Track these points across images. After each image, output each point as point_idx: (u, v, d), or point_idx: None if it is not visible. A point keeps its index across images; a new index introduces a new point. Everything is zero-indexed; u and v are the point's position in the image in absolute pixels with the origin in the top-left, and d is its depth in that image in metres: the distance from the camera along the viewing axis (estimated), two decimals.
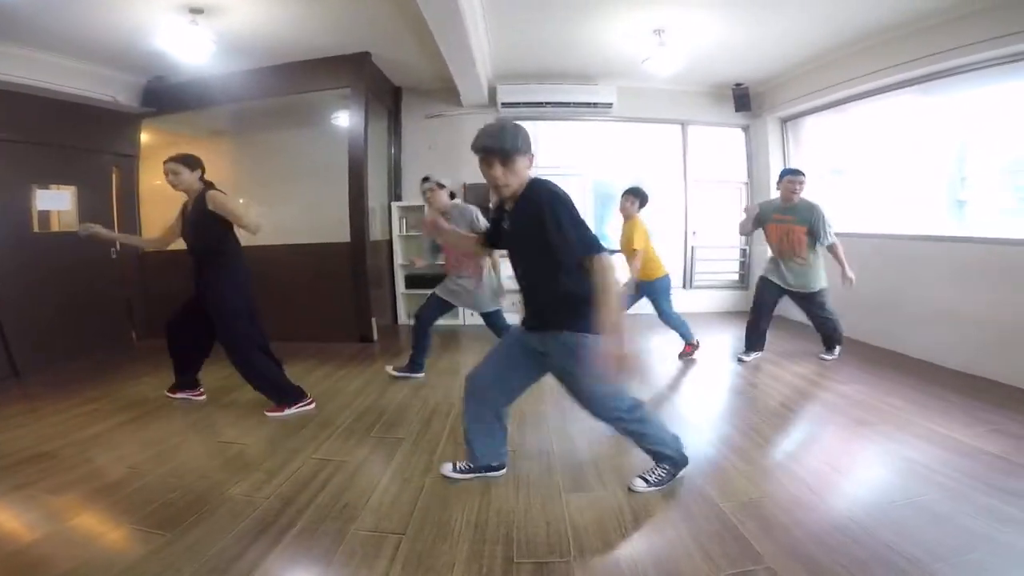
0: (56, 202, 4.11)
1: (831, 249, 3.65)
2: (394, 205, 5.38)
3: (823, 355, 3.94)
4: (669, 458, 2.11)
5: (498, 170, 1.75)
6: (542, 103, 5.07)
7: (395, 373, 3.62)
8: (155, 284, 4.75)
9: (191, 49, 3.46)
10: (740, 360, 3.92)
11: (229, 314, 2.87)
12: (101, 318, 4.42)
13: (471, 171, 5.39)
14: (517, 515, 1.93)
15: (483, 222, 3.29)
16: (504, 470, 2.24)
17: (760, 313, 3.87)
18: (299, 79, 4.35)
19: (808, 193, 3.72)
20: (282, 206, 5.09)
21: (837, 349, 3.92)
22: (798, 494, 2.03)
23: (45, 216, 4.11)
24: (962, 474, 2.14)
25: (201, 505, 1.99)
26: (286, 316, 4.66)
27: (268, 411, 2.96)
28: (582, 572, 1.63)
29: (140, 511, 1.95)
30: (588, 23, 3.94)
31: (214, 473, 2.27)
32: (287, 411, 2.96)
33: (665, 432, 2.13)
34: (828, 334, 3.88)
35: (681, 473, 2.16)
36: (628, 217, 3.75)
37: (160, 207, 4.88)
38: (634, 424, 2.04)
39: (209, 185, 2.92)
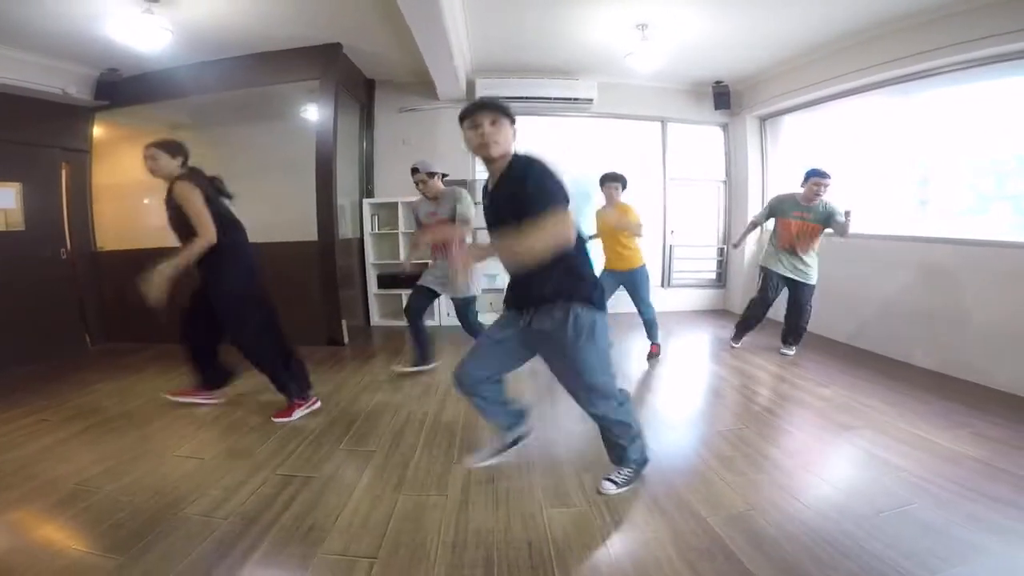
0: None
1: (844, 223, 3.64)
2: (366, 202, 5.18)
3: (783, 350, 4.06)
4: (634, 458, 2.12)
5: (487, 127, 1.73)
6: (522, 98, 4.93)
7: (404, 370, 3.62)
8: (110, 284, 4.48)
9: (145, 39, 3.22)
10: (732, 346, 4.18)
11: (233, 306, 2.75)
12: (52, 321, 4.13)
13: (448, 166, 5.26)
14: (497, 535, 1.82)
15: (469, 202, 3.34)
16: (527, 434, 2.23)
17: (766, 306, 3.99)
18: (265, 71, 4.12)
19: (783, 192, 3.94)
20: (246, 203, 4.85)
21: (794, 348, 4.08)
22: (786, 505, 1.98)
23: None
24: (947, 480, 2.12)
25: (154, 526, 1.85)
26: None
27: (276, 416, 2.85)
28: None
29: (88, 533, 1.81)
30: (569, 15, 3.84)
31: (168, 490, 2.10)
32: (296, 413, 2.88)
33: (639, 427, 2.13)
34: (799, 328, 4.00)
35: (644, 471, 2.18)
36: (614, 202, 3.66)
37: (115, 205, 4.63)
38: (622, 415, 2.02)
39: (192, 173, 2.72)
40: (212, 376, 3.03)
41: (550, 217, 1.59)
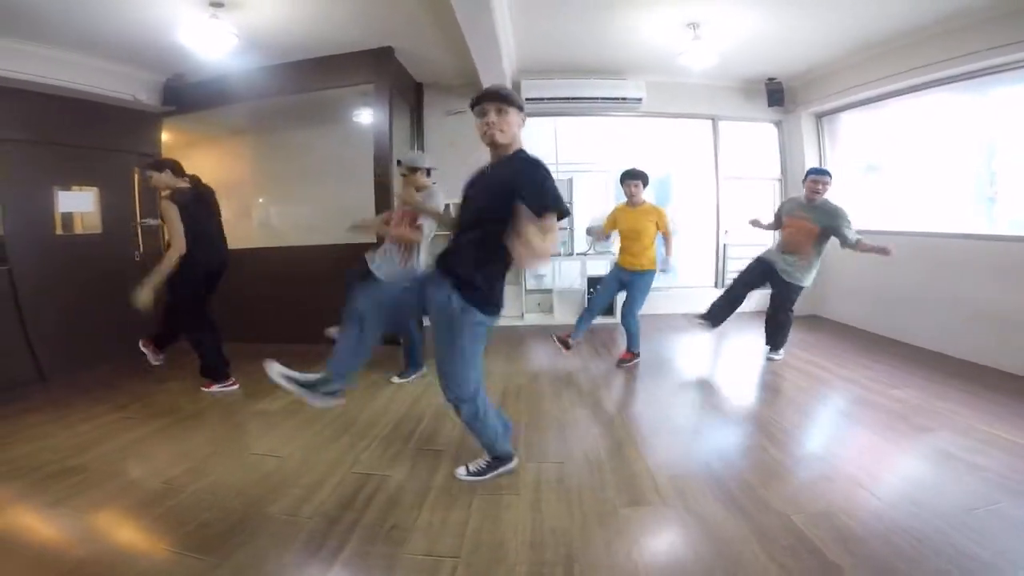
0: (78, 203, 4.04)
1: (858, 246, 3.45)
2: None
3: (771, 355, 3.91)
4: (496, 453, 2.22)
5: (492, 116, 1.87)
6: (569, 98, 4.93)
7: (398, 380, 3.54)
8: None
9: (212, 44, 3.37)
10: (699, 322, 3.99)
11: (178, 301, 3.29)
12: (125, 320, 4.28)
13: None
14: (573, 534, 1.84)
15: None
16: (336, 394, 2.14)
17: (740, 288, 3.88)
18: (320, 75, 4.24)
19: (841, 191, 3.72)
20: (304, 205, 5.03)
21: (782, 351, 3.93)
22: (869, 504, 1.95)
23: (68, 218, 4.06)
24: None
25: (241, 526, 1.90)
26: (310, 318, 4.57)
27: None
28: None
29: (176, 533, 1.86)
30: (619, 16, 3.82)
31: (251, 489, 2.17)
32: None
33: (497, 428, 2.19)
34: (778, 331, 3.83)
35: (505, 468, 2.24)
36: (639, 203, 3.60)
37: None
38: (476, 410, 2.06)
39: (193, 181, 3.30)
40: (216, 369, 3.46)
41: (549, 221, 1.75)
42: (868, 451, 2.45)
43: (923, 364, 3.72)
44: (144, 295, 2.97)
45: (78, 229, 4.14)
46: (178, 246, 3.06)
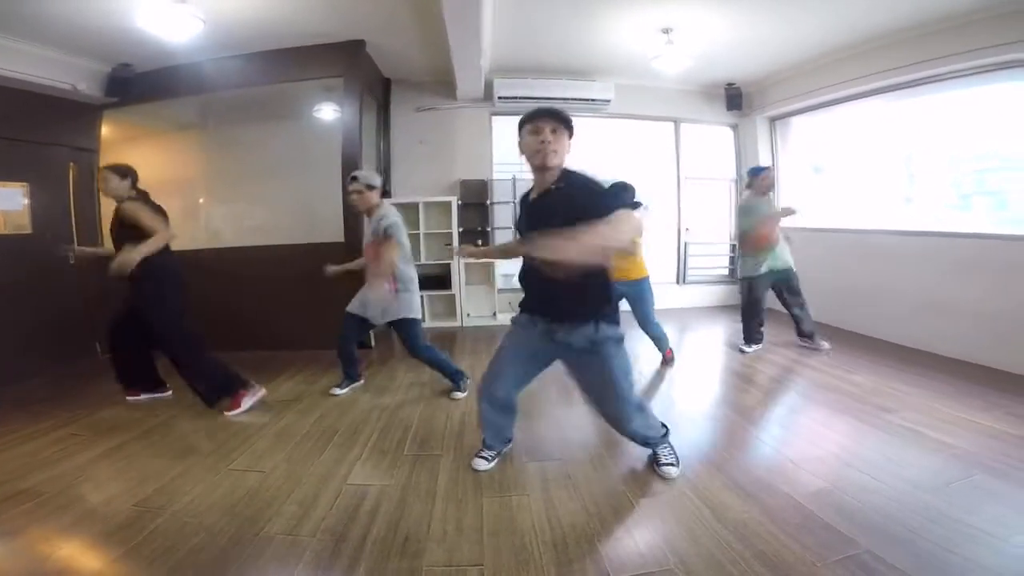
0: (6, 201, 3.60)
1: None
2: (385, 202, 5.05)
3: (813, 344, 4.05)
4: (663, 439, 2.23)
5: (548, 135, 1.77)
6: (539, 98, 4.92)
7: (338, 392, 3.31)
8: (119, 292, 4.25)
9: (175, 29, 3.10)
10: (744, 351, 4.05)
11: (162, 315, 2.95)
12: (61, 329, 3.92)
13: (465, 167, 5.29)
14: (593, 528, 1.84)
15: (391, 228, 2.99)
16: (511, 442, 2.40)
17: (760, 309, 4.06)
18: (286, 67, 4.00)
19: (790, 191, 4.14)
20: (262, 204, 4.72)
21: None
22: (860, 481, 2.08)
23: None
24: (997, 454, 2.26)
25: (239, 549, 1.73)
26: (272, 323, 4.34)
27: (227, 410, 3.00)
28: None
29: (167, 561, 1.67)
30: (597, 19, 3.87)
31: (237, 508, 2.00)
32: (244, 406, 3.03)
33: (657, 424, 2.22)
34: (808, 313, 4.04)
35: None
36: None
37: None
38: (647, 419, 2.14)
39: (142, 195, 2.97)
40: (137, 377, 3.19)
41: (619, 215, 1.61)
42: (845, 432, 2.61)
43: (872, 351, 3.98)
44: (126, 260, 2.64)
45: (4, 229, 3.69)
46: (167, 234, 2.83)
